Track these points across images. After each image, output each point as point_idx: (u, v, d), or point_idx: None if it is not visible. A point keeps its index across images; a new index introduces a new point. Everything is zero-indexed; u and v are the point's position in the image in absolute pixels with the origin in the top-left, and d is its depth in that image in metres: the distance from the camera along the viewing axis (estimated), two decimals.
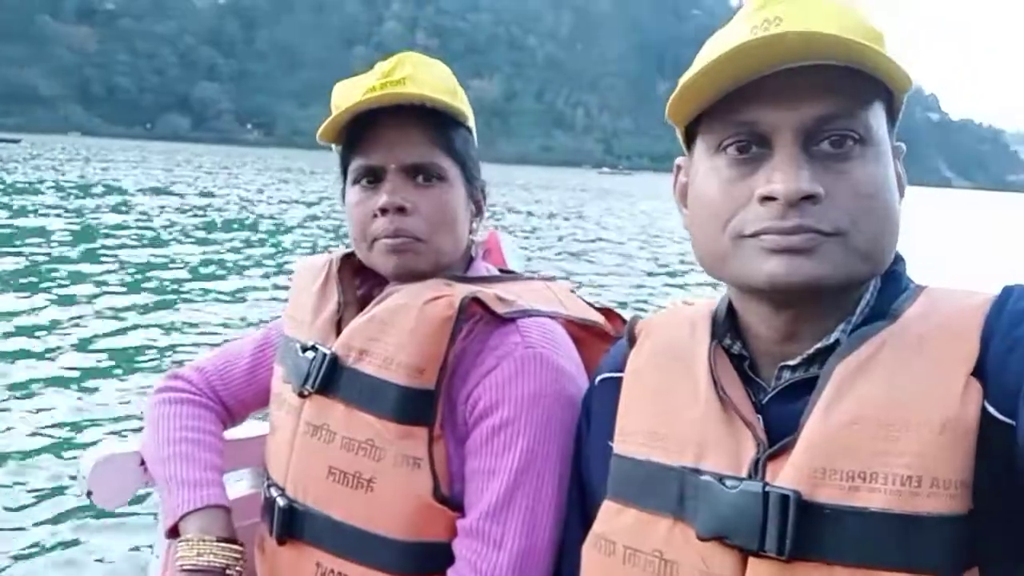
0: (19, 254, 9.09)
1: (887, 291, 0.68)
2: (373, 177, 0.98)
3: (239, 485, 1.15)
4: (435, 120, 0.97)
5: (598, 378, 0.85)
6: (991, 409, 0.57)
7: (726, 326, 0.74)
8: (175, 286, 7.87)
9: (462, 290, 0.93)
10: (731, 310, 0.74)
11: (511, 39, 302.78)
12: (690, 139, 0.73)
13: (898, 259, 0.70)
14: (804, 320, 0.67)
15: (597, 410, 0.83)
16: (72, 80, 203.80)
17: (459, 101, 1.00)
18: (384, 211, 0.95)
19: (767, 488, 0.61)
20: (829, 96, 0.63)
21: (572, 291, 1.11)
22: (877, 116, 0.65)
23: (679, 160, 0.77)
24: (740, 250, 0.65)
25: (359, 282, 1.07)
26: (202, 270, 8.98)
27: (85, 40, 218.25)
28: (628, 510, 0.72)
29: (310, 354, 0.98)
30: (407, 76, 0.96)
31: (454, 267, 1.02)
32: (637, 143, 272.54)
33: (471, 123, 1.04)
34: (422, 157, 0.96)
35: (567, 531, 0.86)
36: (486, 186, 1.07)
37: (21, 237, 10.39)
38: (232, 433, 1.19)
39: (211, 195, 20.71)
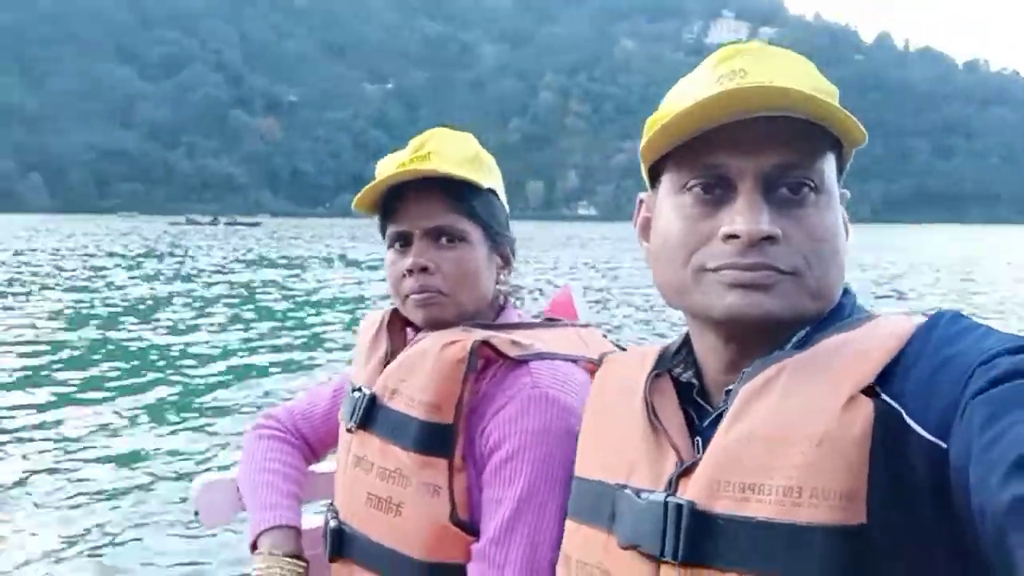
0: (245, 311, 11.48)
1: (823, 324, 0.71)
2: (403, 241, 1.12)
3: (320, 516, 1.27)
4: (455, 188, 1.10)
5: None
6: (916, 427, 0.59)
7: (681, 357, 0.80)
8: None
9: (478, 335, 1.05)
10: (688, 342, 0.80)
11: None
12: (653, 176, 0.78)
13: (846, 292, 0.74)
14: (748, 353, 0.71)
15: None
16: (261, 167, 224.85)
17: (479, 170, 1.13)
18: (411, 271, 1.10)
19: (667, 499, 0.67)
20: (788, 146, 0.68)
21: (604, 335, 1.21)
22: (830, 165, 0.71)
23: (641, 195, 0.82)
24: (701, 283, 0.70)
25: (411, 333, 1.21)
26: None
27: (271, 130, 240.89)
28: (580, 527, 0.78)
29: (357, 394, 1.14)
30: (432, 151, 1.10)
31: (481, 315, 1.14)
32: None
33: (495, 186, 1.16)
34: (442, 222, 1.10)
35: None
36: (514, 242, 1.20)
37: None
38: (316, 468, 1.35)
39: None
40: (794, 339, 0.70)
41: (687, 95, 0.71)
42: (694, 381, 0.77)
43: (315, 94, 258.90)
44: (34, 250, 28.26)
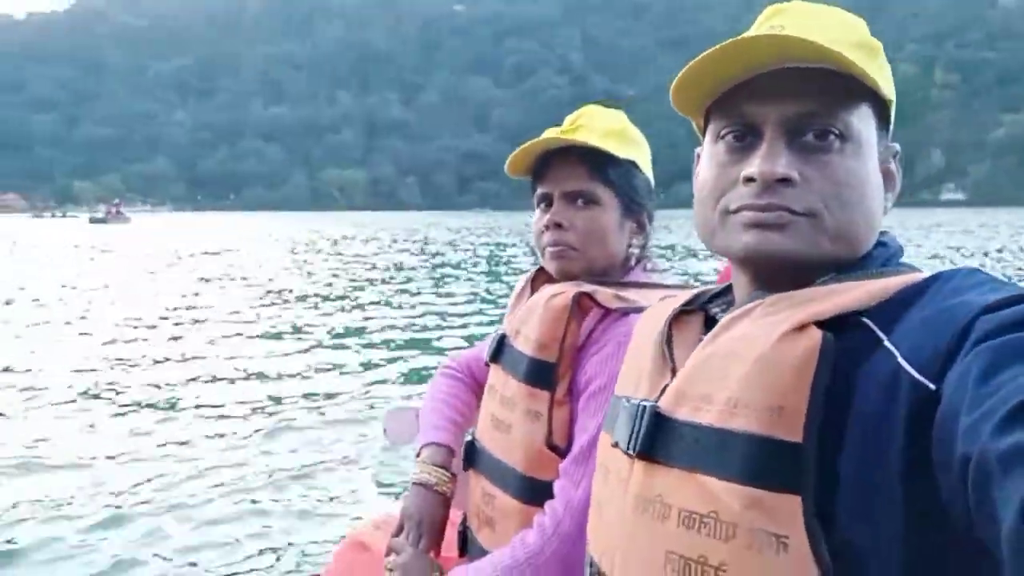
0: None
1: (849, 270, 0.73)
2: (547, 201, 1.28)
3: None
4: (594, 157, 1.24)
5: None
6: (907, 367, 0.60)
7: (724, 299, 0.86)
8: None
9: (584, 288, 1.20)
10: (730, 288, 0.87)
11: None
12: (704, 130, 0.83)
13: (884, 244, 0.77)
14: (772, 292, 0.75)
15: None
16: None
17: (622, 143, 1.26)
18: (548, 227, 1.26)
19: (642, 402, 0.77)
20: (809, 96, 0.72)
21: None
22: (862, 118, 0.73)
23: (697, 149, 0.87)
24: (725, 225, 0.75)
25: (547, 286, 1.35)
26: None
27: None
28: (603, 435, 0.89)
29: (497, 335, 1.37)
30: (581, 125, 1.27)
31: (610, 273, 1.28)
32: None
33: (638, 158, 1.29)
34: (579, 186, 1.24)
35: None
36: (652, 211, 1.33)
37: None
38: None
39: None
40: (816, 283, 0.73)
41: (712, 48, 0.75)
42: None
43: (652, 88, 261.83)
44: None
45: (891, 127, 0.77)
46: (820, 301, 0.68)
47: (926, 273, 0.70)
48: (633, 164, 1.28)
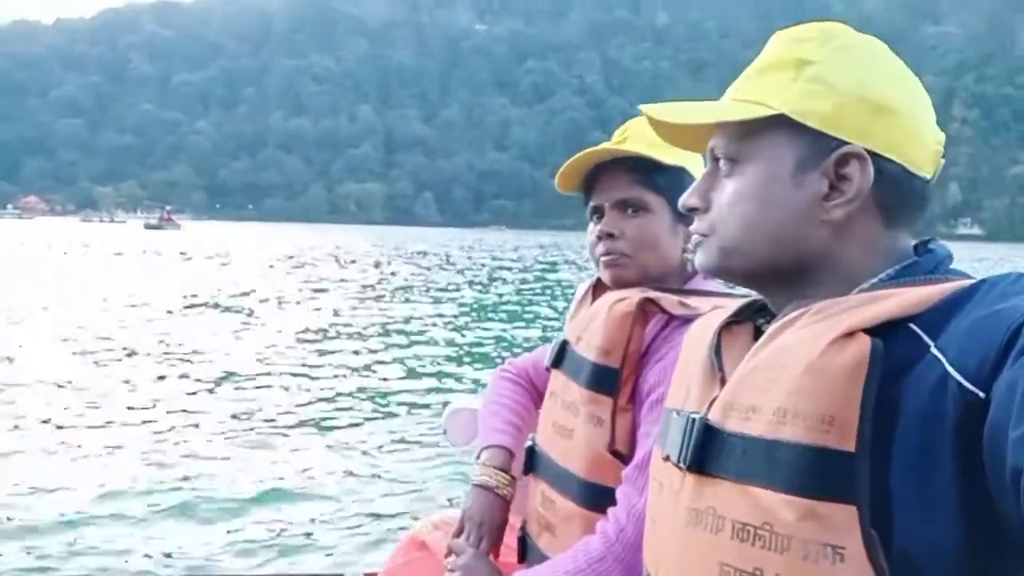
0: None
1: (897, 277, 0.74)
2: (599, 213, 1.31)
3: None
4: (640, 165, 1.27)
5: None
6: (955, 374, 0.61)
7: (767, 308, 0.85)
8: None
9: (648, 295, 1.20)
10: None
11: None
12: None
13: (930, 251, 0.77)
14: (786, 301, 0.79)
15: None
16: None
17: (667, 150, 1.23)
18: (600, 238, 1.29)
19: (691, 415, 0.77)
20: (718, 134, 0.82)
21: None
22: (762, 140, 0.78)
23: None
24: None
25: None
26: None
27: None
28: (656, 448, 0.88)
29: (558, 341, 1.36)
30: (628, 136, 1.30)
31: (668, 280, 1.28)
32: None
33: (688, 164, 1.28)
34: (627, 194, 1.27)
35: None
36: None
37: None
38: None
39: None
40: (861, 287, 0.74)
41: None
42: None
43: None
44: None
45: (836, 132, 0.75)
46: (865, 308, 0.68)
47: (973, 279, 0.69)
48: (682, 170, 1.28)
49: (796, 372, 0.67)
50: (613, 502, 1.13)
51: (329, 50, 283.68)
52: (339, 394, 6.71)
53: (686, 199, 0.83)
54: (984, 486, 0.58)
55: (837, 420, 0.63)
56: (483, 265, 28.22)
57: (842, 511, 0.62)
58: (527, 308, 14.33)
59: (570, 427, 1.23)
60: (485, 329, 11.51)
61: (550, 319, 13.38)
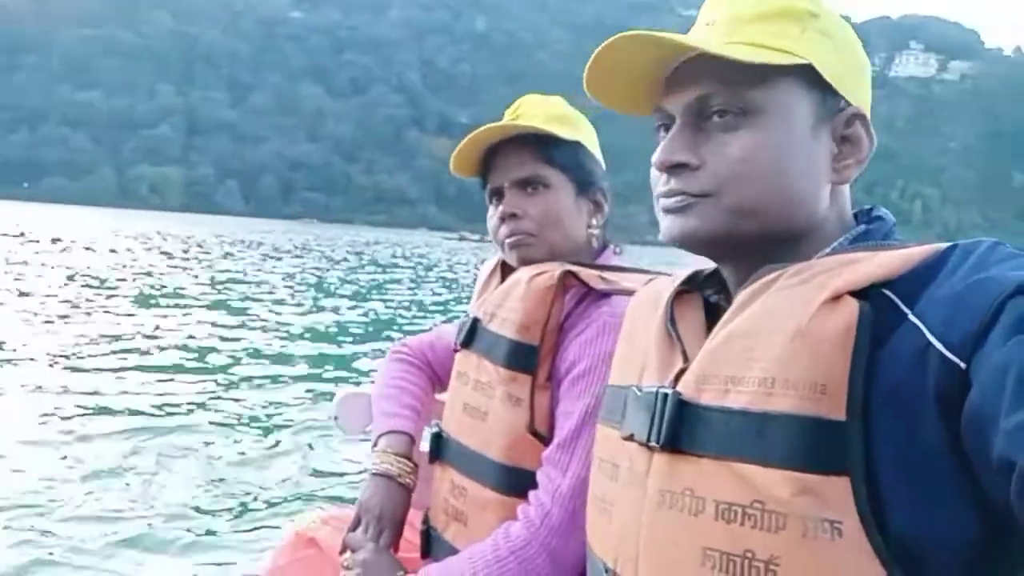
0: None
1: (853, 243, 0.73)
2: (498, 195, 1.27)
3: None
4: (537, 142, 1.23)
5: None
6: (937, 344, 0.58)
7: (714, 280, 0.83)
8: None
9: (566, 267, 1.16)
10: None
11: None
12: None
13: (877, 218, 0.76)
14: (745, 274, 0.74)
15: None
16: (430, 183, 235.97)
17: (564, 125, 1.24)
18: (503, 219, 1.24)
19: (659, 390, 0.72)
20: (709, 79, 0.73)
21: None
22: (774, 89, 0.72)
23: None
24: (658, 213, 0.78)
25: None
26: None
27: (442, 149, 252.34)
28: (603, 428, 0.84)
29: (466, 320, 1.30)
30: (521, 113, 1.27)
31: (578, 256, 1.24)
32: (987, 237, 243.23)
33: (583, 140, 1.28)
34: (527, 172, 1.24)
35: None
36: (607, 190, 1.31)
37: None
38: (441, 396, 1.49)
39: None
40: (820, 254, 0.72)
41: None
42: (723, 303, 0.80)
43: (487, 116, 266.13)
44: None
45: (841, 89, 0.74)
46: (845, 270, 0.65)
47: (943, 244, 0.66)
48: (579, 144, 1.28)
49: (783, 338, 0.64)
50: (534, 485, 1.10)
51: (128, 22, 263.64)
52: (217, 384, 6.18)
53: (669, 155, 0.74)
54: (966, 461, 0.57)
55: (829, 388, 0.61)
56: (335, 258, 27.12)
57: (837, 484, 0.59)
58: (396, 297, 14.19)
59: (484, 409, 1.19)
60: (361, 315, 11.21)
61: (430, 306, 13.20)
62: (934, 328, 0.59)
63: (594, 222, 1.29)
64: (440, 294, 17.18)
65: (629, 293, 1.08)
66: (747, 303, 0.70)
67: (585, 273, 1.16)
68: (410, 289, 17.78)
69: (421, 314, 13.06)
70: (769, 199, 0.72)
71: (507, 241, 1.25)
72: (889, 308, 0.62)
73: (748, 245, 0.74)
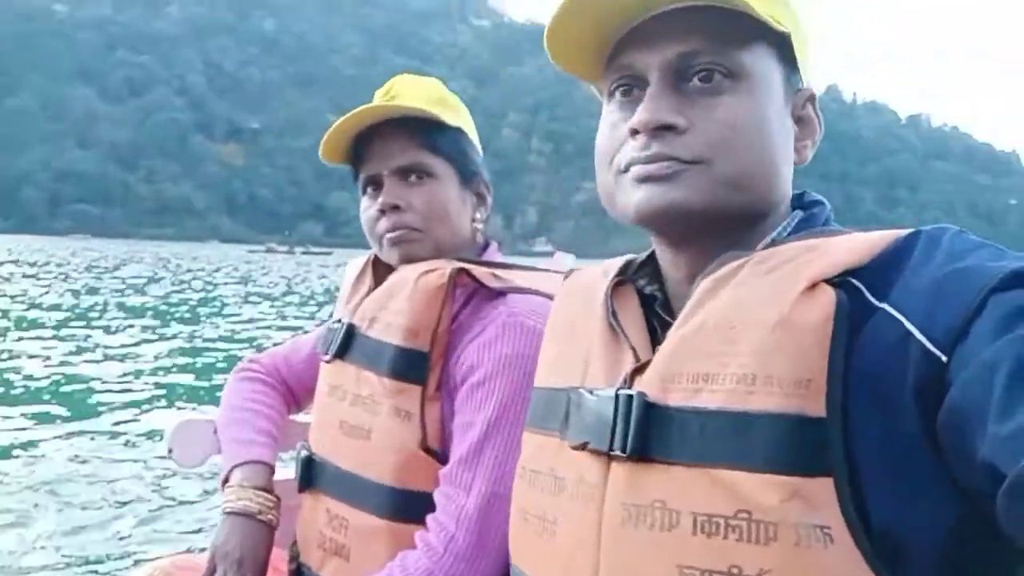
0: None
1: (798, 229, 0.70)
2: (375, 184, 1.15)
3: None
4: (419, 126, 1.12)
5: None
6: (919, 335, 0.56)
7: (647, 270, 0.77)
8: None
9: (457, 264, 1.05)
10: (654, 256, 0.78)
11: None
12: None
13: (817, 203, 0.73)
14: (703, 259, 0.69)
15: None
16: (219, 192, 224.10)
17: (445, 109, 1.14)
18: (383, 211, 1.12)
19: (618, 391, 0.65)
20: (692, 35, 0.67)
21: None
22: (758, 57, 0.68)
23: None
24: (620, 185, 0.70)
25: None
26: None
27: (232, 156, 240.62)
28: (534, 436, 0.77)
29: (336, 325, 1.16)
30: (396, 95, 1.14)
31: (463, 253, 1.14)
32: None
33: (464, 126, 1.18)
34: (409, 159, 1.12)
35: None
36: (489, 181, 1.21)
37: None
38: (297, 417, 1.36)
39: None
40: (765, 241, 0.69)
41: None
42: (657, 294, 0.75)
43: (278, 122, 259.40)
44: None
45: (802, 69, 0.73)
46: (815, 257, 0.61)
47: (902, 231, 0.63)
48: (462, 132, 1.18)
49: (762, 331, 0.59)
50: (431, 509, 0.99)
51: None
52: (27, 420, 5.64)
53: (656, 115, 0.67)
54: (942, 456, 0.54)
55: (813, 383, 0.57)
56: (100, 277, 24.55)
57: (822, 486, 0.55)
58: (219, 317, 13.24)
59: (367, 426, 1.05)
60: (183, 337, 10.43)
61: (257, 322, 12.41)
62: (914, 319, 0.57)
63: (478, 216, 1.20)
64: (266, 309, 16.65)
65: (525, 291, 1.03)
66: (711, 294, 0.65)
67: (478, 271, 1.06)
68: (233, 305, 17.10)
69: (258, 332, 12.58)
70: (757, 172, 0.68)
71: (388, 236, 1.13)
72: (857, 296, 0.60)
73: (724, 222, 0.68)
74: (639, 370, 0.67)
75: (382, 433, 1.03)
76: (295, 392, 1.34)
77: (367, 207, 1.15)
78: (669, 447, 0.61)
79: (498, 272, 1.08)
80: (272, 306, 18.02)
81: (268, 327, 13.57)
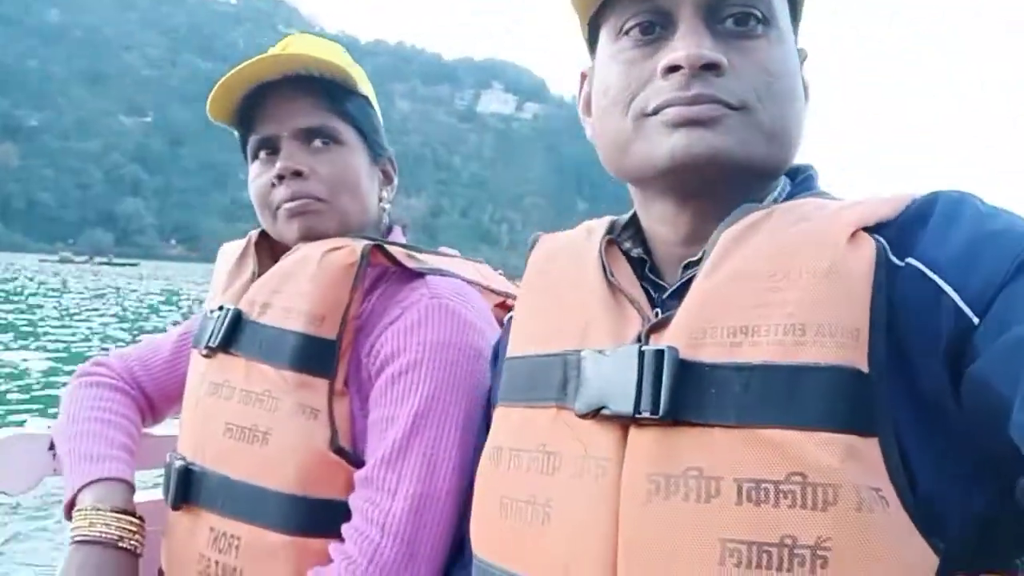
0: None
1: (796, 192, 0.67)
2: (270, 148, 0.99)
3: (158, 490, 1.06)
4: (327, 87, 0.98)
5: (507, 317, 0.82)
6: (952, 293, 0.53)
7: (629, 232, 0.72)
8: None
9: (367, 241, 0.92)
10: (635, 219, 0.72)
11: (437, 159, 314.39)
12: (593, 38, 0.71)
13: (810, 167, 0.70)
14: (710, 217, 0.64)
15: (503, 348, 0.78)
16: None
17: (353, 71, 1.00)
18: (281, 177, 0.96)
19: (642, 348, 0.59)
20: None
21: (500, 274, 1.11)
22: (782, 2, 0.65)
23: (583, 69, 0.74)
24: (643, 130, 0.63)
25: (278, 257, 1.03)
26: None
27: (7, 156, 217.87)
28: (513, 410, 0.69)
29: (216, 313, 0.98)
30: (297, 52, 0.97)
31: (364, 232, 1.01)
32: None
33: (371, 97, 1.05)
34: (314, 121, 0.97)
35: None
36: (394, 157, 1.08)
37: None
38: (156, 430, 1.15)
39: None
40: (770, 198, 0.66)
41: None
42: (645, 257, 0.71)
43: (63, 121, 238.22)
44: None
45: (800, 20, 0.69)
46: (844, 210, 0.58)
47: (916, 193, 0.60)
48: (368, 101, 1.05)
49: (811, 279, 0.55)
50: (346, 518, 0.86)
51: None
52: None
53: (703, 50, 0.60)
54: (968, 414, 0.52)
55: (861, 334, 0.53)
56: None
57: (872, 445, 0.51)
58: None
59: (263, 427, 0.89)
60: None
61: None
62: (948, 276, 0.54)
63: (385, 195, 1.07)
64: (72, 323, 15.51)
65: (446, 274, 0.94)
66: (738, 243, 0.60)
67: (394, 249, 0.94)
68: (51, 322, 15.74)
69: (82, 345, 11.91)
70: (791, 125, 0.64)
71: (287, 207, 0.96)
72: (882, 251, 0.56)
73: (750, 176, 0.64)
74: (656, 328, 0.60)
75: (283, 434, 0.88)
76: (152, 400, 1.14)
77: (258, 174, 1.00)
78: (706, 407, 0.55)
79: (414, 254, 0.96)
80: (82, 319, 16.76)
81: (85, 340, 12.72)
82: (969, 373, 0.51)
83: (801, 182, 0.68)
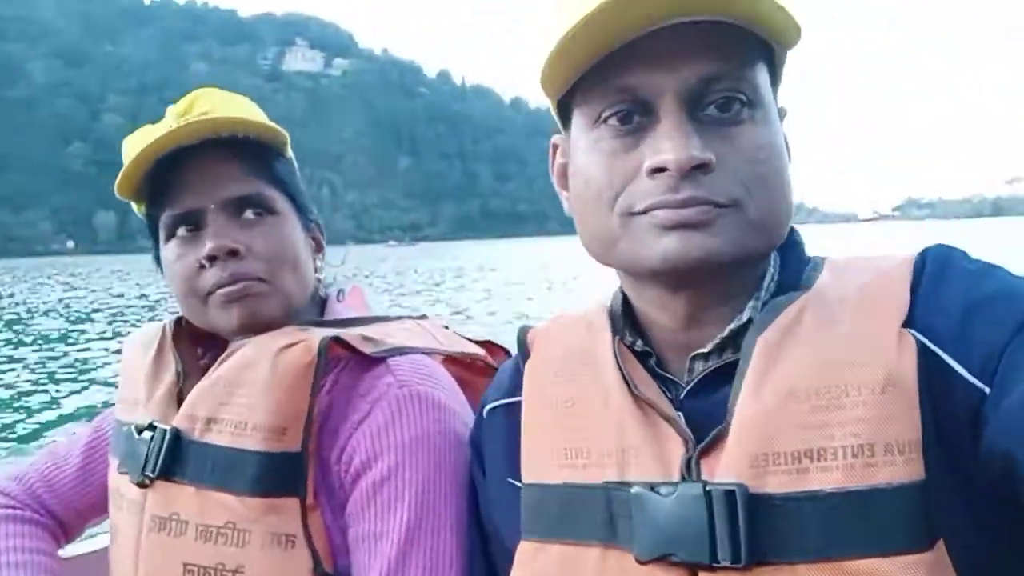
0: None
1: (790, 264, 0.65)
2: (192, 224, 0.86)
3: None
4: (252, 149, 0.87)
5: (487, 408, 0.76)
6: (956, 367, 0.53)
7: (624, 322, 0.68)
8: None
9: (320, 333, 0.82)
10: (627, 304, 0.69)
11: None
12: (564, 113, 0.67)
13: (794, 232, 0.67)
14: (706, 302, 0.62)
15: (490, 445, 0.74)
16: None
17: (278, 132, 0.90)
18: (212, 259, 0.84)
19: (708, 487, 0.54)
20: (712, 54, 0.58)
21: (446, 327, 1.02)
22: (762, 75, 0.61)
23: (555, 139, 0.71)
24: (630, 229, 0.60)
25: (201, 351, 0.93)
26: None
27: None
28: (549, 547, 0.63)
29: (147, 434, 0.85)
30: (209, 110, 0.86)
31: (304, 312, 0.91)
32: (387, 216, 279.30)
33: (293, 158, 0.95)
34: (245, 189, 0.86)
35: None
36: (320, 220, 0.98)
37: None
38: (70, 550, 1.05)
39: None
40: (767, 281, 0.64)
41: (585, 5, 0.56)
42: (649, 349, 0.67)
43: None
44: None
45: (780, 81, 0.65)
46: (877, 298, 0.57)
47: (899, 256, 0.61)
48: (292, 163, 0.95)
49: (871, 393, 0.53)
50: None
51: None
52: None
53: (693, 151, 0.57)
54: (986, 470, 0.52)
55: (919, 442, 0.52)
56: None
57: (943, 553, 0.51)
58: None
59: (232, 566, 0.78)
60: None
61: None
62: (949, 348, 0.54)
63: (318, 264, 0.96)
64: None
65: (405, 351, 0.85)
66: (778, 351, 0.57)
67: (349, 336, 0.84)
68: None
69: None
70: (781, 211, 0.61)
71: (223, 292, 0.84)
72: (922, 348, 0.55)
73: (742, 267, 0.62)
74: (705, 452, 0.57)
75: (257, 570, 0.78)
76: (63, 522, 1.00)
77: (180, 255, 0.86)
78: (785, 545, 0.52)
79: (367, 333, 0.86)
80: None
81: None
82: (984, 439, 0.51)
83: (790, 249, 0.66)
